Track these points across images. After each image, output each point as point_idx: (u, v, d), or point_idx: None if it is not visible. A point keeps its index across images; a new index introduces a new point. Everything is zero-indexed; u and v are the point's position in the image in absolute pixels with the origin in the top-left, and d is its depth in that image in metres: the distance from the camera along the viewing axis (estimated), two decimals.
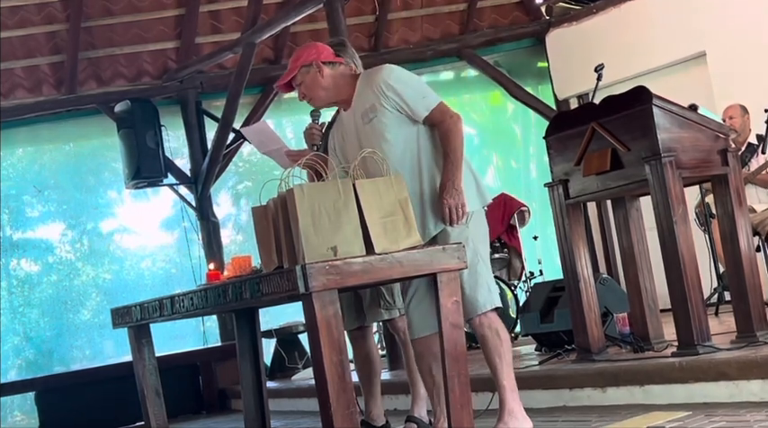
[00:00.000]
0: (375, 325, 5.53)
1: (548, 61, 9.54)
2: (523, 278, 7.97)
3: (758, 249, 6.24)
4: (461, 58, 9.65)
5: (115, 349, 9.43)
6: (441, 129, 3.79)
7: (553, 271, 7.70)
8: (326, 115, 4.66)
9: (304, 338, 8.05)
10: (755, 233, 6.29)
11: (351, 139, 3.90)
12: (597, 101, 4.85)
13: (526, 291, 7.75)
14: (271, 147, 4.55)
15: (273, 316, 8.36)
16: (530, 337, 6.19)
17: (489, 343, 3.79)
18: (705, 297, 4.91)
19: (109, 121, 8.93)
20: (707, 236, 6.66)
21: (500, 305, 3.84)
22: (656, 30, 8.35)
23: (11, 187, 9.34)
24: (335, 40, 4.94)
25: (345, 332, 4.05)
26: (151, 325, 4.32)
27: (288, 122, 9.90)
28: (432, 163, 3.81)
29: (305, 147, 4.52)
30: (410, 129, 3.81)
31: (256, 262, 3.74)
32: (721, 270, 6.47)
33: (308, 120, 4.50)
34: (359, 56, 4.62)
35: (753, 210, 6.26)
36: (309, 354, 6.45)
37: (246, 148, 9.91)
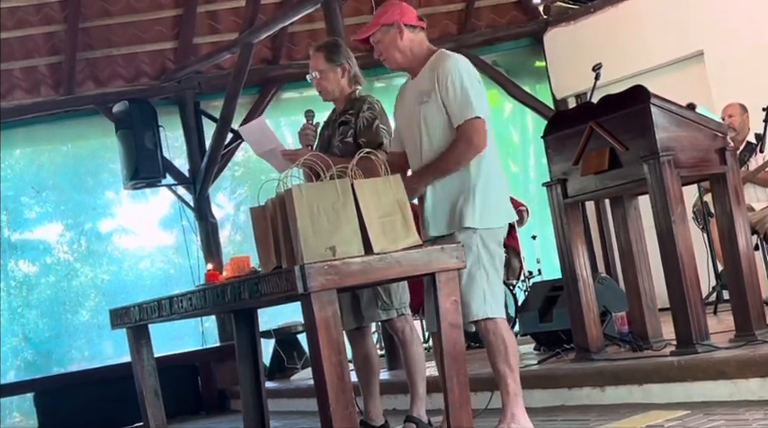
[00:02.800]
0: (374, 325, 5.53)
1: (546, 61, 9.54)
2: (522, 277, 7.98)
3: (756, 248, 6.24)
4: None
5: (114, 350, 9.41)
6: (456, 139, 3.77)
7: (552, 271, 7.71)
8: (320, 115, 4.67)
9: (303, 338, 8.05)
10: (754, 232, 6.29)
11: (405, 112, 3.96)
12: (595, 100, 4.85)
13: (525, 291, 7.76)
14: (267, 146, 4.53)
15: (272, 317, 8.35)
16: (528, 337, 6.19)
17: (493, 348, 3.79)
18: (704, 296, 4.91)
19: (107, 122, 8.92)
20: (705, 235, 6.67)
21: (493, 316, 3.77)
22: (654, 29, 8.36)
23: (9, 188, 9.31)
24: (329, 40, 4.93)
25: (344, 332, 4.07)
26: (150, 325, 4.32)
27: (286, 123, 9.89)
28: (466, 168, 3.79)
29: (301, 147, 4.53)
30: (452, 132, 3.79)
31: (255, 262, 3.74)
32: (720, 268, 6.48)
33: (304, 120, 4.52)
34: (357, 56, 4.63)
35: (751, 209, 6.27)
36: (308, 354, 6.45)
37: (242, 153, 9.92)
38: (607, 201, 6.52)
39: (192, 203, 9.24)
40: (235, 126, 8.70)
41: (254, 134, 4.67)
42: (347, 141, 4.40)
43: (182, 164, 9.31)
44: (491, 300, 3.78)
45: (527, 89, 9.64)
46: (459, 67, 3.79)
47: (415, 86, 3.91)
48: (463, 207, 3.77)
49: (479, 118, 3.75)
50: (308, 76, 4.56)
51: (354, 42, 4.11)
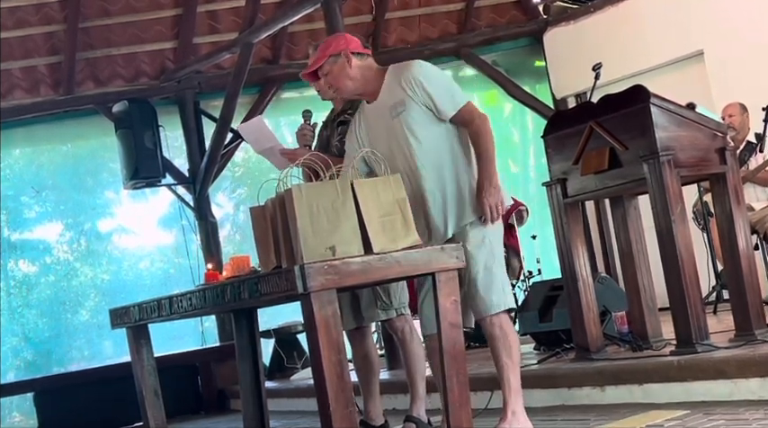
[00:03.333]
0: (373, 324, 5.53)
1: (545, 60, 9.54)
2: (522, 277, 7.97)
3: (756, 247, 6.25)
4: (459, 58, 9.65)
5: (114, 349, 9.41)
6: (470, 129, 3.82)
7: (551, 271, 7.69)
8: (319, 115, 4.67)
9: (303, 338, 8.04)
10: (754, 231, 6.30)
11: (378, 132, 3.91)
12: (595, 100, 4.85)
13: (525, 291, 7.76)
14: (265, 145, 4.55)
15: (272, 316, 8.34)
16: (528, 336, 6.19)
17: (498, 343, 3.80)
18: (703, 295, 4.91)
19: (107, 122, 8.92)
20: (705, 234, 6.67)
21: (513, 306, 3.85)
22: (654, 28, 8.35)
23: (8, 188, 9.30)
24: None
25: (344, 332, 4.06)
26: (150, 325, 4.32)
27: (285, 122, 9.88)
28: (458, 163, 3.82)
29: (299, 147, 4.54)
30: (439, 128, 3.82)
31: (255, 262, 3.74)
32: (720, 268, 6.47)
33: (303, 120, 4.52)
34: None
35: (751, 209, 6.27)
36: (308, 354, 6.45)
37: (241, 153, 9.92)
38: (607, 201, 6.52)
39: (191, 203, 9.24)
40: (234, 126, 8.70)
41: (252, 133, 4.69)
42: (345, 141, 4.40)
43: (181, 163, 9.30)
44: (507, 291, 3.85)
45: (527, 89, 9.64)
46: (426, 68, 3.84)
47: (380, 106, 3.89)
48: (468, 201, 3.79)
49: (469, 101, 3.83)
50: None
51: (304, 78, 4.10)
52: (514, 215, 8.10)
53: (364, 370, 4.60)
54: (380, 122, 3.89)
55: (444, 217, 3.81)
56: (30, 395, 8.27)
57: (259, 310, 4.64)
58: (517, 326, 6.86)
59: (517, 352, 3.86)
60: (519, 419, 3.79)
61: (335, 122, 4.52)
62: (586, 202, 6.59)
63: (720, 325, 5.33)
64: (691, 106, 4.60)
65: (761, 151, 6.64)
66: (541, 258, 8.32)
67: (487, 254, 3.79)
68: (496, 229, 3.87)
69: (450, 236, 3.82)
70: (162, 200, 9.90)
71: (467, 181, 3.83)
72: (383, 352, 6.90)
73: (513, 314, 7.08)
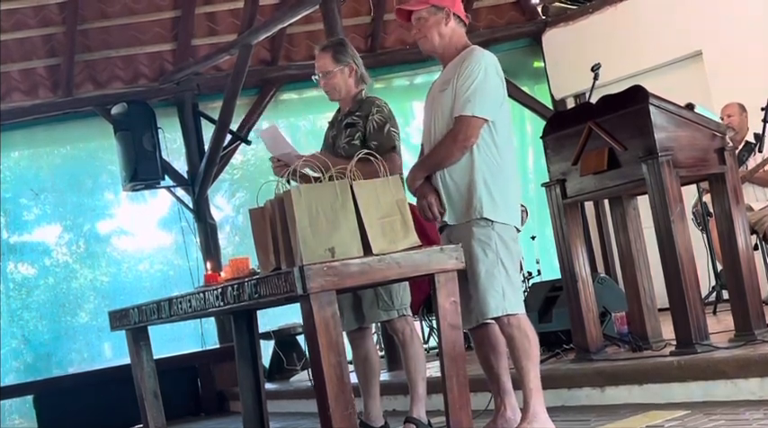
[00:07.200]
0: (374, 325, 5.53)
1: (544, 61, 9.55)
2: (521, 278, 7.97)
3: (756, 248, 6.24)
4: None
5: (113, 352, 9.40)
6: (445, 135, 3.81)
7: (551, 271, 7.70)
8: (318, 115, 4.66)
9: (302, 339, 8.04)
10: (753, 231, 6.30)
11: (428, 101, 4.02)
12: (594, 100, 4.85)
13: (524, 291, 7.75)
14: (283, 151, 4.54)
15: (272, 318, 8.33)
16: None
17: (517, 343, 3.78)
18: (703, 295, 4.91)
19: (106, 124, 8.91)
20: (704, 235, 6.67)
21: (514, 312, 3.78)
22: (653, 29, 8.35)
23: (7, 190, 9.29)
24: (335, 39, 4.93)
25: (344, 333, 4.06)
26: (149, 327, 4.32)
27: (284, 125, 9.88)
28: (474, 158, 3.79)
29: (300, 148, 4.53)
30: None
31: (254, 263, 3.74)
32: (719, 268, 6.47)
33: (304, 122, 4.52)
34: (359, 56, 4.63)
35: (750, 209, 6.27)
36: (308, 356, 6.45)
37: (240, 156, 9.92)
38: (606, 202, 6.52)
39: (190, 205, 9.24)
40: (233, 127, 8.71)
41: (270, 140, 4.68)
42: (354, 144, 4.35)
43: (180, 165, 9.30)
44: (511, 296, 3.78)
45: (526, 90, 9.64)
46: (483, 62, 3.82)
47: (441, 76, 3.97)
48: (481, 198, 3.77)
49: (475, 117, 3.76)
50: (313, 77, 4.54)
51: (397, 13, 4.06)
52: None
53: (364, 370, 4.60)
54: (433, 93, 3.98)
55: (448, 201, 3.82)
56: (29, 397, 8.27)
57: (260, 312, 4.64)
58: None
59: (536, 351, 3.82)
60: (540, 419, 3.77)
61: (343, 123, 4.48)
62: (585, 203, 6.59)
63: (720, 325, 5.34)
64: (689, 106, 4.60)
65: (760, 151, 6.64)
66: (541, 259, 8.32)
67: (493, 256, 3.75)
68: (507, 235, 3.81)
69: (449, 222, 3.82)
70: (161, 201, 9.89)
71: (476, 179, 3.78)
72: (383, 352, 6.90)
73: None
